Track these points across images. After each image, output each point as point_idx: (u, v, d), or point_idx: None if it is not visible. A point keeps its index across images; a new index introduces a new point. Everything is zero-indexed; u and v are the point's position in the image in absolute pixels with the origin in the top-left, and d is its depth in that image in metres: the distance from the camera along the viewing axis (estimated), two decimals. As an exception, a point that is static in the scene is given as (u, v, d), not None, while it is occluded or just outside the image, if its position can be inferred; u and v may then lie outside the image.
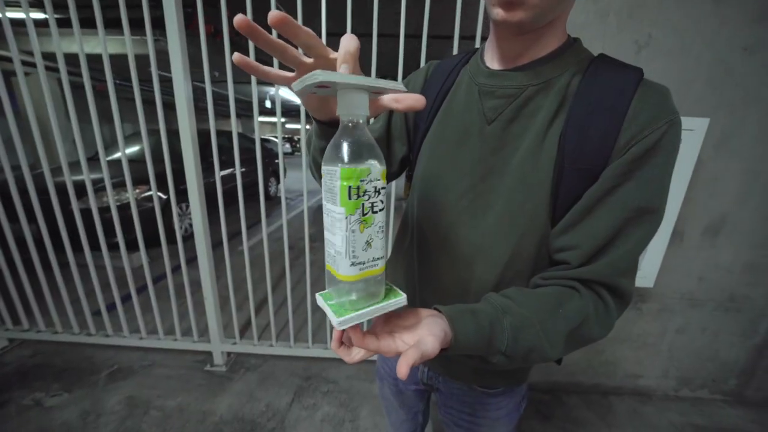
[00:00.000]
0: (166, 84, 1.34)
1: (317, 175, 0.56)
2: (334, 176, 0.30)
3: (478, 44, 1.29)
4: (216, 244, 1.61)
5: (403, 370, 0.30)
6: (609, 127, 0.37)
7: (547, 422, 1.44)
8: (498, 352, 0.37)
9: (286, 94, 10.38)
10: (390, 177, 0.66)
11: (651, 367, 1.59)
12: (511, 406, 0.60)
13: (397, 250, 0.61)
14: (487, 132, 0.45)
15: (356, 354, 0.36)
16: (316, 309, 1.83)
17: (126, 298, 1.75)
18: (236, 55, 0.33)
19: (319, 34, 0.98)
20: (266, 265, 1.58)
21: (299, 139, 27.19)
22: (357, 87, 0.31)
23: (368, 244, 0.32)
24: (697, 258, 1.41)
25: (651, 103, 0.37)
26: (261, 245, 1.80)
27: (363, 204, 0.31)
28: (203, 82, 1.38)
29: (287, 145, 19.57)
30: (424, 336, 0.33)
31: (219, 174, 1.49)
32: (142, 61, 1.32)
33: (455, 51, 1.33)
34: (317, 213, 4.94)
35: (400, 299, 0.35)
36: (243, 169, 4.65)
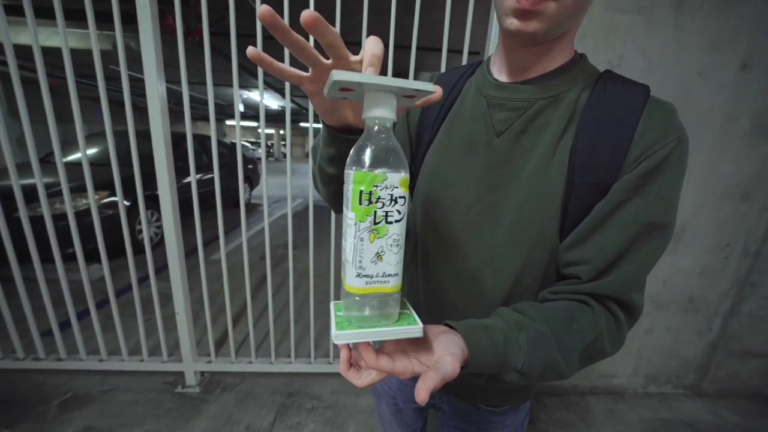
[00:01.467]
0: (133, 83, 1.24)
1: (321, 186, 0.53)
2: (349, 179, 0.30)
3: (465, 58, 1.32)
4: (185, 254, 1.49)
5: (422, 395, 0.28)
6: (619, 142, 0.38)
7: (533, 426, 1.47)
8: (513, 369, 0.36)
9: (257, 97, 10.09)
10: None
11: (623, 366, 1.69)
12: (517, 423, 0.59)
13: None
14: (495, 144, 0.45)
15: (367, 377, 0.34)
16: (298, 321, 1.76)
17: (83, 315, 1.57)
18: (251, 48, 0.31)
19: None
20: (245, 274, 1.49)
21: (272, 144, 26.56)
22: (388, 89, 0.29)
23: (378, 256, 0.30)
24: (663, 263, 1.52)
25: (659, 119, 0.38)
26: (234, 255, 1.69)
27: (375, 211, 0.29)
28: (170, 82, 1.29)
29: (260, 150, 18.93)
30: (443, 356, 0.32)
31: (195, 177, 1.39)
32: (101, 57, 1.21)
33: (443, 63, 1.35)
34: (295, 219, 4.80)
35: (415, 328, 0.32)
36: (213, 175, 4.45)
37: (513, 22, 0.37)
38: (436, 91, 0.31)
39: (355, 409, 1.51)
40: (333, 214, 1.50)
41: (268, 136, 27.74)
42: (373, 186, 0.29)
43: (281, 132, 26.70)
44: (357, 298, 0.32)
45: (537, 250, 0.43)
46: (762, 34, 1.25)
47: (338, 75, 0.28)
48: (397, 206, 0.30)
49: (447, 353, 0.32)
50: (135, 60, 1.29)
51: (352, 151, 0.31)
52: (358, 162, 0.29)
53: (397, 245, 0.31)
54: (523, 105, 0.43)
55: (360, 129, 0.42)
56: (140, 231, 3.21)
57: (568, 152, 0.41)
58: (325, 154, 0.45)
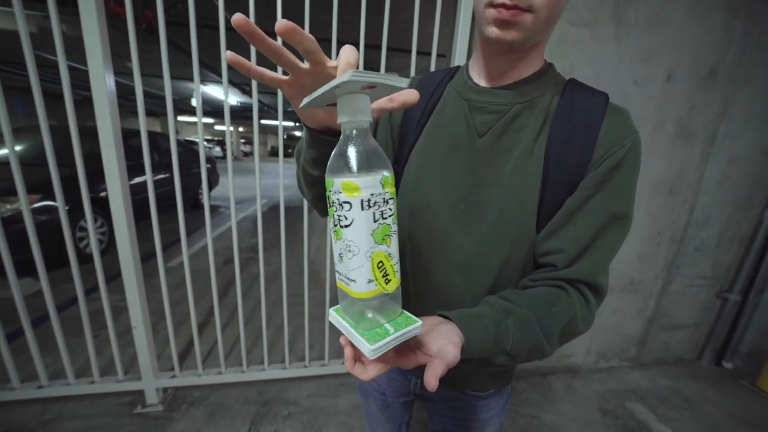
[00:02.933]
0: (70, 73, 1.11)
1: (306, 188, 0.53)
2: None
3: (434, 60, 1.36)
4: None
5: (433, 382, 0.30)
6: (586, 144, 0.43)
7: (502, 408, 1.57)
8: (503, 352, 0.39)
9: (214, 92, 9.43)
10: None
11: (578, 346, 1.86)
12: (500, 406, 0.63)
13: None
14: (478, 145, 0.48)
15: (373, 370, 0.35)
16: (269, 325, 1.70)
17: (14, 336, 1.38)
18: (229, 53, 0.32)
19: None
20: (212, 277, 1.40)
21: (231, 141, 25.00)
22: (367, 83, 0.29)
23: (340, 257, 0.32)
24: (608, 251, 1.70)
25: (617, 123, 0.43)
26: (193, 260, 1.59)
27: (334, 214, 0.31)
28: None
29: (217, 149, 17.64)
30: (445, 345, 0.34)
31: (150, 175, 1.26)
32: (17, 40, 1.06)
33: (413, 64, 1.39)
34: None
35: (417, 326, 0.34)
36: (166, 175, 4.12)
37: (494, 31, 0.40)
38: (405, 86, 0.31)
39: (334, 411, 1.50)
40: (305, 214, 1.47)
41: (223, 134, 26.14)
42: (329, 191, 0.31)
43: (240, 129, 25.36)
44: (365, 301, 0.32)
45: (518, 244, 0.47)
46: (682, 50, 1.45)
47: (304, 101, 0.31)
48: (344, 211, 0.29)
49: (448, 342, 0.34)
50: (67, 46, 1.15)
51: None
52: (330, 168, 0.31)
53: (350, 251, 0.30)
54: (503, 108, 0.46)
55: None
56: (81, 239, 2.87)
57: (543, 152, 0.45)
58: (308, 157, 0.46)
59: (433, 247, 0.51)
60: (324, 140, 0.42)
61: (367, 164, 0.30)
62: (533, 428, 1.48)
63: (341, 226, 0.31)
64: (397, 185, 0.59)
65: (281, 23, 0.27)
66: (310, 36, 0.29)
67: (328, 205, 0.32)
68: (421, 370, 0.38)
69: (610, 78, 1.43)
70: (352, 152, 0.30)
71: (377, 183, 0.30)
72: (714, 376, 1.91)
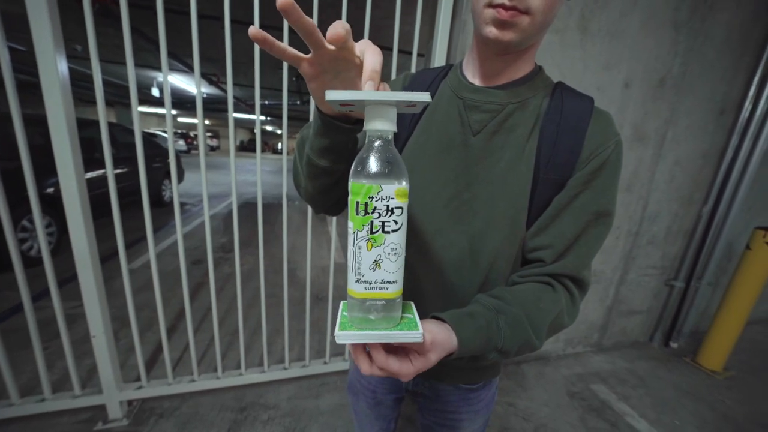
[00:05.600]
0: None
1: (308, 181, 0.50)
2: (349, 190, 0.31)
3: (414, 59, 1.38)
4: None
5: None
6: (574, 145, 0.45)
7: (480, 398, 1.63)
8: (494, 349, 0.41)
9: (177, 82, 8.84)
10: None
11: (548, 334, 1.98)
12: (489, 397, 0.65)
13: None
14: (472, 142, 0.49)
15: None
16: (246, 327, 1.63)
17: (-57, 355, 1.20)
18: (253, 28, 0.30)
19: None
20: (183, 278, 1.31)
21: (195, 135, 23.64)
22: (386, 103, 0.31)
23: (377, 264, 0.32)
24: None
25: (602, 126, 0.45)
26: (157, 261, 1.50)
27: (372, 221, 0.30)
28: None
29: (181, 142, 16.55)
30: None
31: (111, 169, 1.14)
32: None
33: (394, 63, 1.39)
34: (230, 219, 4.38)
35: (416, 334, 0.33)
36: (124, 170, 3.80)
37: (492, 31, 0.41)
38: (430, 100, 0.33)
39: (316, 412, 1.47)
40: (284, 211, 1.43)
41: (192, 127, 24.60)
42: (369, 197, 0.30)
43: (206, 122, 23.97)
44: (358, 302, 0.33)
45: (509, 239, 0.49)
46: (637, 61, 1.59)
47: (332, 95, 0.30)
48: (393, 216, 0.31)
49: (442, 352, 0.37)
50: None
51: (354, 162, 0.32)
52: (356, 173, 0.31)
53: (395, 254, 0.32)
54: (497, 108, 0.48)
55: (356, 119, 0.42)
56: (24, 240, 2.57)
57: (534, 152, 0.47)
58: (317, 146, 0.44)
59: (425, 244, 0.52)
60: (339, 127, 0.41)
61: (406, 171, 0.32)
62: (510, 415, 1.55)
63: (386, 232, 0.31)
64: None
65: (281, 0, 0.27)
66: (309, 19, 0.30)
67: (359, 211, 0.31)
68: None
69: (577, 83, 1.53)
70: (398, 160, 0.31)
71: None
72: (663, 356, 2.12)
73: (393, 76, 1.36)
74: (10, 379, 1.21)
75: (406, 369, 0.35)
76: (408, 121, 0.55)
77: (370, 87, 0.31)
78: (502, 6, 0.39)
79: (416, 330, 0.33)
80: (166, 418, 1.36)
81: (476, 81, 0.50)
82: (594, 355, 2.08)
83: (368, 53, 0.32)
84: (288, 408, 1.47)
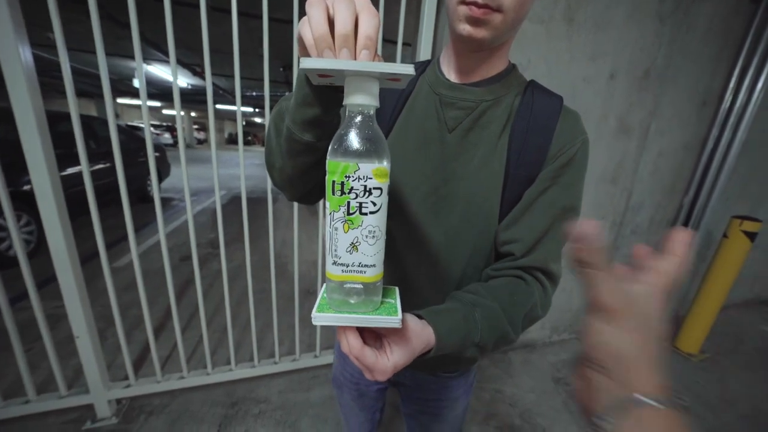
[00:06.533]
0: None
1: (286, 160, 0.44)
2: (326, 169, 0.29)
3: (399, 49, 1.36)
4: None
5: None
6: (543, 142, 0.46)
7: (469, 386, 1.68)
8: (473, 344, 0.42)
9: (160, 72, 8.52)
10: None
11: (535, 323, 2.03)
12: (468, 384, 0.68)
13: None
14: (447, 139, 0.50)
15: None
16: (235, 323, 1.63)
17: None
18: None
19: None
20: (167, 275, 1.28)
21: (184, 128, 22.95)
22: (366, 75, 0.29)
23: (354, 246, 0.30)
24: (560, 235, 1.87)
25: (569, 125, 0.47)
26: (142, 259, 1.47)
27: (349, 202, 0.29)
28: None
29: (167, 135, 16.07)
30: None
31: (86, 165, 1.10)
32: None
33: (378, 52, 1.36)
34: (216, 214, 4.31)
35: (394, 320, 0.32)
36: (106, 165, 3.68)
37: (465, 28, 0.41)
38: (413, 72, 0.29)
39: (307, 404, 1.49)
40: (269, 206, 1.41)
41: (172, 119, 23.93)
42: (345, 176, 0.28)
43: (192, 114, 23.33)
44: (336, 284, 0.32)
45: (484, 234, 0.50)
46: (622, 52, 1.59)
47: (308, 62, 0.27)
48: (371, 197, 0.29)
49: (418, 349, 0.37)
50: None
51: (333, 139, 0.30)
52: (333, 150, 0.29)
53: (374, 236, 0.30)
54: (471, 105, 0.48)
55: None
56: (2, 239, 2.49)
57: (506, 148, 0.48)
58: (301, 117, 0.38)
59: (404, 237, 0.53)
60: (330, 96, 0.36)
61: (387, 150, 0.30)
62: (497, 401, 1.60)
63: (364, 213, 0.29)
64: None
65: None
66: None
67: (335, 191, 0.29)
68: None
69: (563, 74, 1.54)
70: (378, 137, 0.29)
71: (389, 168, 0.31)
72: (644, 341, 2.20)
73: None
74: (-8, 382, 1.19)
75: (382, 364, 0.33)
76: (388, 115, 0.54)
77: (365, 57, 0.27)
78: (475, 3, 0.39)
79: (395, 315, 0.32)
80: (156, 416, 1.36)
81: (452, 77, 0.51)
82: (579, 342, 2.15)
83: (363, 15, 0.28)
84: (279, 401, 1.49)
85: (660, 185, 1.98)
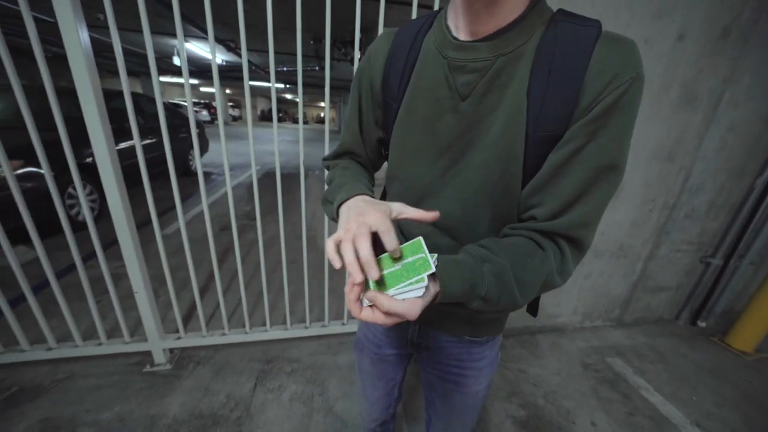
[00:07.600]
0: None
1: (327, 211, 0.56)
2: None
3: (415, 10, 1.25)
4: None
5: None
6: (569, 92, 0.38)
7: (492, 363, 1.69)
8: (478, 297, 0.40)
9: (196, 49, 8.75)
10: (375, 165, 0.65)
11: (566, 307, 1.96)
12: (493, 355, 0.66)
13: None
14: (462, 108, 0.45)
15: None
16: (270, 289, 1.74)
17: (16, 302, 1.39)
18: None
19: None
20: (210, 242, 1.40)
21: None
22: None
23: None
24: (603, 217, 1.73)
25: (612, 59, 0.36)
26: (188, 228, 1.59)
27: None
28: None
29: (204, 112, 16.85)
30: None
31: (138, 139, 1.20)
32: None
33: (380, 17, 1.25)
34: (252, 188, 4.53)
35: (422, 284, 0.37)
36: (152, 140, 3.95)
37: None
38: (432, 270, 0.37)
39: (334, 366, 1.59)
40: (302, 182, 1.45)
41: (211, 96, 24.87)
42: None
43: (227, 91, 24.07)
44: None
45: (503, 205, 0.46)
46: (696, 6, 1.37)
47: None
48: None
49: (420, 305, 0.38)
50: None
51: None
52: None
53: None
54: (485, 65, 0.42)
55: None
56: (70, 207, 2.81)
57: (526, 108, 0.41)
58: (329, 212, 0.53)
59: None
60: None
61: None
62: (520, 381, 1.60)
63: None
64: (387, 152, 0.59)
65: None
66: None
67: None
68: (421, 317, 0.39)
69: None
70: None
71: None
72: (688, 334, 2.05)
73: (381, 26, 1.24)
74: (73, 325, 1.40)
75: (381, 318, 0.37)
76: (396, 89, 0.51)
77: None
78: None
79: (429, 269, 0.37)
80: (203, 365, 1.53)
81: (461, 34, 0.43)
82: (613, 330, 2.05)
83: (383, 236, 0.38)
84: (309, 362, 1.60)
85: (726, 165, 1.75)
